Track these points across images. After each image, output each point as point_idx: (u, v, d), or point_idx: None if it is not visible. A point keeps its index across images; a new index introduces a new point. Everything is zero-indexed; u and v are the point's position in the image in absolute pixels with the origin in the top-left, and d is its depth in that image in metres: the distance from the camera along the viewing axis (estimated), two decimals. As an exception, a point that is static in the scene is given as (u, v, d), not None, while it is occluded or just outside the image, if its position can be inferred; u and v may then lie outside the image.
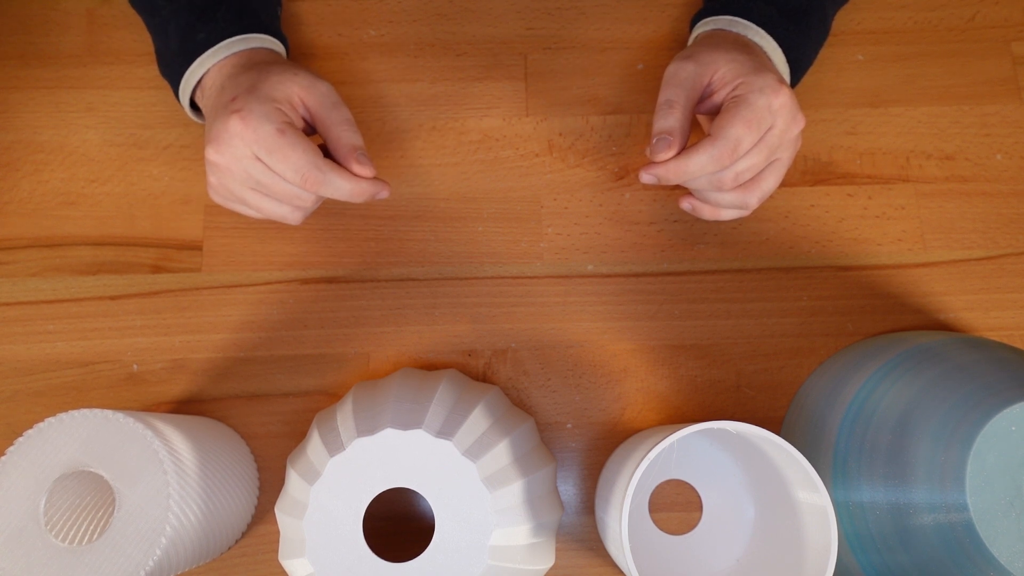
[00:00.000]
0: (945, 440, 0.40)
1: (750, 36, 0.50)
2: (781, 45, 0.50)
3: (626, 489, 0.40)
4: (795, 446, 0.45)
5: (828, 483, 0.46)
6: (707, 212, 0.50)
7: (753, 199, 0.48)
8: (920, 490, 0.40)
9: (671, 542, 0.51)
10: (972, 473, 0.38)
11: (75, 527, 0.43)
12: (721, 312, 0.54)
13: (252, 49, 0.50)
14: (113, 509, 0.42)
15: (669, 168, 0.46)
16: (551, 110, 0.57)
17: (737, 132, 0.45)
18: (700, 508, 0.51)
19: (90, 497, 0.45)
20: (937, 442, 0.40)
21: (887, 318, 0.54)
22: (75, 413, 0.41)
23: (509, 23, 0.59)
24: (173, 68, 0.51)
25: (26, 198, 0.56)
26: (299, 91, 0.47)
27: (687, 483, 0.51)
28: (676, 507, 0.51)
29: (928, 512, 0.40)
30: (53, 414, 0.41)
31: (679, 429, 0.41)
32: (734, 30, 0.51)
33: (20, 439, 0.41)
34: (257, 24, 0.51)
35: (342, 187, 0.46)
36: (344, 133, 0.47)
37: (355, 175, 0.47)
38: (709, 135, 0.46)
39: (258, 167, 0.46)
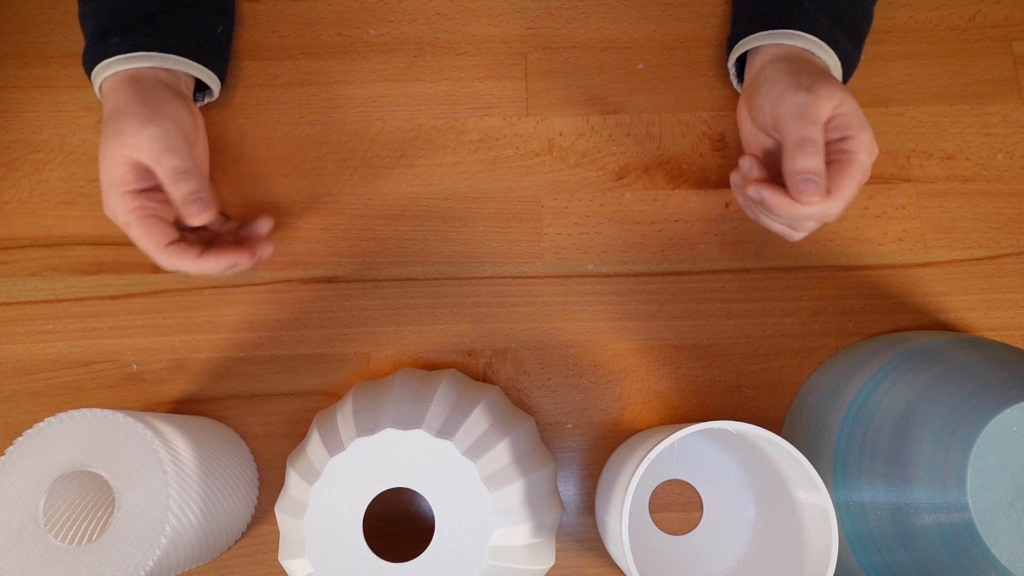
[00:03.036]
0: (946, 440, 0.40)
1: (818, 54, 0.50)
2: (841, 61, 0.50)
3: (626, 489, 0.40)
4: (795, 446, 0.44)
5: (828, 483, 0.46)
6: (778, 219, 0.49)
7: (800, 235, 0.50)
8: (921, 490, 0.40)
9: (671, 542, 0.51)
10: (973, 473, 0.38)
11: (75, 527, 0.43)
12: (721, 312, 0.54)
13: (148, 68, 0.50)
14: (113, 509, 0.42)
15: (781, 203, 0.46)
16: (551, 110, 0.57)
17: (851, 192, 0.45)
18: (700, 508, 0.51)
19: (90, 497, 0.45)
20: (938, 442, 0.40)
21: (887, 318, 0.54)
22: (75, 413, 0.41)
23: (509, 23, 0.59)
24: (86, 58, 0.51)
25: (26, 198, 0.56)
26: (129, 155, 0.46)
27: (687, 483, 0.51)
28: (676, 507, 0.51)
29: (929, 512, 0.40)
30: (53, 414, 0.41)
31: (679, 429, 0.41)
32: (805, 47, 0.50)
33: (20, 439, 0.41)
34: (177, 47, 0.51)
35: (191, 271, 0.47)
36: (172, 188, 0.46)
37: (199, 258, 0.46)
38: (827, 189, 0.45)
39: None
